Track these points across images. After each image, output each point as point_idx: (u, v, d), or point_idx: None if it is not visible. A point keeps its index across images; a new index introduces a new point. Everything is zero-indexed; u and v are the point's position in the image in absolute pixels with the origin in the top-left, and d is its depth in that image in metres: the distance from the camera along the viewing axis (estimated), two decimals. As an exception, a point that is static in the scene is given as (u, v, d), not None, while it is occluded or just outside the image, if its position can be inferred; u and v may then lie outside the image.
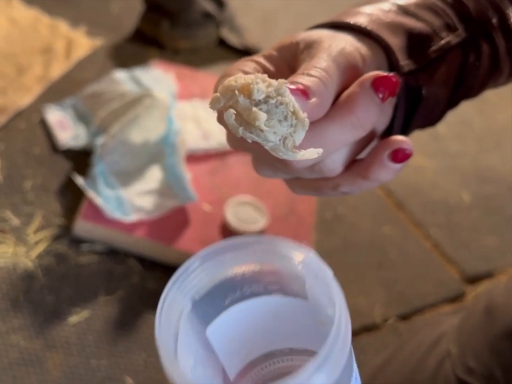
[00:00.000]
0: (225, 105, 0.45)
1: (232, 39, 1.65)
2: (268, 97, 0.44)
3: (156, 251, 1.14)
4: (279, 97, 0.44)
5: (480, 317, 0.85)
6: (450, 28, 0.55)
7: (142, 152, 1.22)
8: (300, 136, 0.45)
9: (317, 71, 0.48)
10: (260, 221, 1.19)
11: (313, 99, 0.46)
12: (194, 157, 1.29)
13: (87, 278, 1.10)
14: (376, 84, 0.47)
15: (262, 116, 0.43)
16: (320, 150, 0.45)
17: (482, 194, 1.40)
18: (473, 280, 1.23)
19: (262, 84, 0.44)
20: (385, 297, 1.17)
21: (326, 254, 1.21)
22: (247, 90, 0.44)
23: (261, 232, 1.19)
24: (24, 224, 1.16)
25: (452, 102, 0.57)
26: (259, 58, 0.53)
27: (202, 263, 0.48)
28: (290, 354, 0.51)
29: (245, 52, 1.63)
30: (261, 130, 0.44)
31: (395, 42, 0.53)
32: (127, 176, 1.20)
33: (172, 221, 1.17)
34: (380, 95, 0.47)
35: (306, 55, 0.50)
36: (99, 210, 1.14)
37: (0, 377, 0.96)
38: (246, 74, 0.50)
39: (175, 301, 0.46)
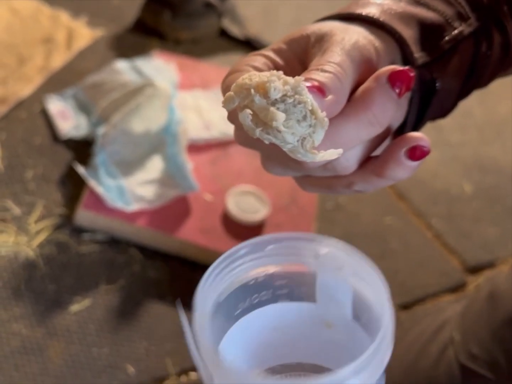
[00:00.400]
0: (240, 105, 0.43)
1: (234, 29, 1.64)
2: (285, 96, 0.42)
3: (157, 240, 1.14)
4: (297, 96, 0.42)
5: (483, 304, 0.85)
6: (463, 17, 0.54)
7: (143, 141, 1.22)
8: (319, 136, 0.43)
9: (331, 66, 0.46)
10: (262, 211, 1.19)
11: (329, 97, 0.45)
12: (195, 147, 1.29)
13: (88, 267, 1.11)
14: (393, 79, 0.46)
15: (281, 116, 0.42)
16: (340, 150, 0.44)
17: (484, 184, 1.40)
18: (475, 270, 1.23)
19: (278, 82, 0.43)
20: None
21: (327, 243, 1.21)
22: (262, 89, 0.42)
23: (263, 222, 1.18)
24: (25, 213, 1.16)
25: (463, 92, 0.56)
26: (268, 52, 0.51)
27: (221, 271, 0.47)
28: (281, 371, 0.50)
29: (247, 43, 1.62)
30: (279, 131, 0.42)
31: (409, 33, 0.51)
32: (128, 165, 1.20)
33: (173, 210, 1.17)
34: (397, 90, 0.46)
35: (317, 49, 0.49)
36: (100, 199, 1.14)
37: (1, 365, 0.96)
38: (256, 70, 0.49)
39: (202, 316, 0.45)
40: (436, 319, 0.91)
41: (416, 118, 0.53)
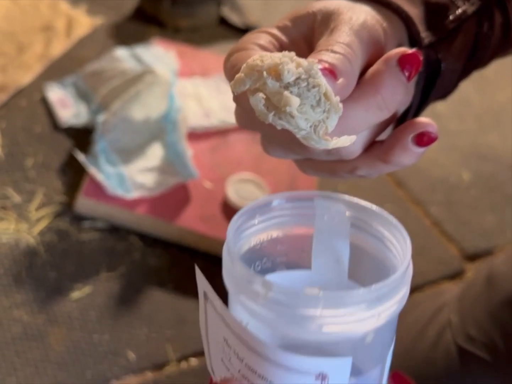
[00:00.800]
0: (251, 88, 0.42)
1: (233, 18, 1.64)
2: (298, 79, 0.41)
3: (157, 227, 1.15)
4: (311, 79, 0.41)
5: (481, 286, 0.85)
6: None
7: (143, 129, 1.22)
8: (333, 122, 0.41)
9: (341, 47, 0.45)
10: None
11: (340, 80, 0.43)
12: (195, 135, 1.29)
13: (88, 255, 1.11)
14: (402, 62, 0.44)
15: (295, 101, 0.40)
16: (354, 137, 0.43)
17: (482, 172, 1.41)
18: (473, 257, 1.23)
19: (291, 65, 0.41)
20: (385, 274, 1.17)
21: (326, 231, 1.21)
22: (274, 71, 0.41)
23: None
24: (26, 201, 1.16)
25: (464, 73, 0.55)
26: (273, 30, 0.50)
27: (239, 226, 0.47)
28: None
29: (246, 31, 1.62)
30: (292, 117, 0.40)
31: (415, 12, 0.51)
32: (128, 153, 1.21)
33: (173, 198, 1.18)
34: (406, 74, 0.44)
35: (324, 28, 0.48)
36: (101, 187, 1.14)
37: (2, 352, 0.97)
38: (261, 48, 0.47)
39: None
40: (434, 302, 0.92)
41: (420, 101, 0.53)
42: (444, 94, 0.56)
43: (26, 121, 1.30)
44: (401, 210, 1.30)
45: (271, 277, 0.49)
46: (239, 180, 1.22)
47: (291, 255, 0.49)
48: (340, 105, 0.41)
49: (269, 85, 0.41)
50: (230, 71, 0.46)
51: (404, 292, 0.44)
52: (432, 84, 0.52)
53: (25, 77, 1.37)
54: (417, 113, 0.54)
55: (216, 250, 1.10)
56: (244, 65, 0.42)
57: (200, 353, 1.00)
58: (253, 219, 0.47)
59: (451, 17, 0.52)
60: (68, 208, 1.16)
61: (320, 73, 0.41)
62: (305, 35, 0.49)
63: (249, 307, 0.42)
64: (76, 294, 1.05)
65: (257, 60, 0.42)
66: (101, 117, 1.22)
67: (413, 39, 0.51)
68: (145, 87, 1.24)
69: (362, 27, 0.47)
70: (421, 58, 0.45)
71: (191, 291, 1.03)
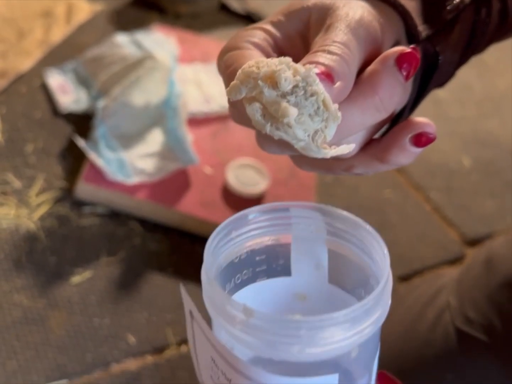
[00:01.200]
0: (247, 96, 0.40)
1: (234, 4, 1.64)
2: (295, 87, 0.39)
3: (157, 213, 1.15)
4: (309, 88, 0.39)
5: (479, 268, 0.85)
6: None
7: (144, 115, 1.22)
8: (332, 131, 0.40)
9: (338, 47, 0.43)
10: (261, 184, 1.20)
11: (338, 83, 0.42)
12: (195, 121, 1.29)
13: (89, 240, 1.11)
14: (400, 61, 0.43)
15: (293, 112, 0.39)
16: (352, 145, 0.42)
17: (482, 158, 1.41)
18: (473, 242, 1.23)
19: (288, 72, 0.39)
20: (385, 259, 1.18)
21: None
22: (271, 79, 0.39)
23: (262, 195, 1.19)
24: (26, 187, 1.17)
25: (461, 61, 0.55)
26: (267, 25, 0.48)
27: (216, 245, 0.47)
28: None
29: (247, 17, 1.62)
30: (289, 126, 0.39)
31: (411, 5, 0.49)
32: (129, 139, 1.21)
33: (174, 184, 1.18)
34: (404, 73, 0.43)
35: (320, 24, 0.46)
36: (101, 173, 1.14)
37: (3, 336, 0.97)
38: (255, 46, 0.46)
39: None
40: (433, 285, 0.92)
41: (416, 94, 0.52)
42: (441, 84, 0.55)
43: (26, 107, 1.30)
44: (401, 195, 1.30)
45: (252, 287, 0.49)
46: (239, 166, 1.22)
47: (270, 264, 0.49)
48: (339, 113, 0.40)
49: (266, 94, 0.39)
50: (225, 71, 0.45)
51: (385, 304, 0.43)
52: (429, 77, 0.51)
53: (25, 63, 1.37)
54: (414, 106, 0.53)
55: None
56: (240, 71, 0.41)
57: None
58: (229, 235, 0.47)
59: (448, 7, 0.51)
60: (68, 193, 1.16)
61: (317, 80, 0.40)
62: (300, 31, 0.48)
63: (230, 330, 0.42)
64: (76, 279, 1.05)
65: (253, 67, 0.40)
66: (101, 103, 1.22)
67: (411, 33, 0.49)
68: (145, 72, 1.24)
69: (359, 25, 0.45)
70: (419, 56, 0.44)
71: (191, 275, 1.03)
